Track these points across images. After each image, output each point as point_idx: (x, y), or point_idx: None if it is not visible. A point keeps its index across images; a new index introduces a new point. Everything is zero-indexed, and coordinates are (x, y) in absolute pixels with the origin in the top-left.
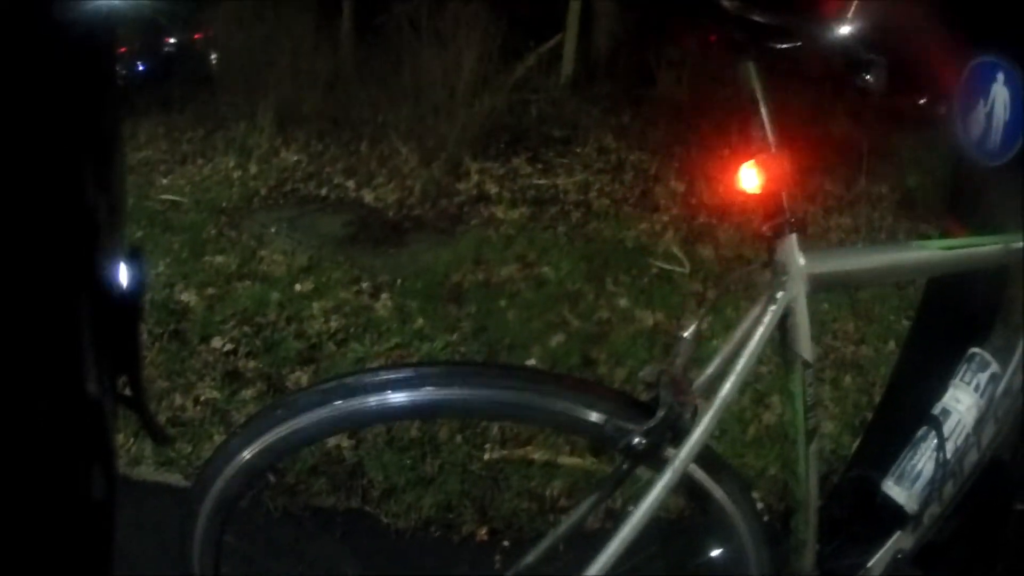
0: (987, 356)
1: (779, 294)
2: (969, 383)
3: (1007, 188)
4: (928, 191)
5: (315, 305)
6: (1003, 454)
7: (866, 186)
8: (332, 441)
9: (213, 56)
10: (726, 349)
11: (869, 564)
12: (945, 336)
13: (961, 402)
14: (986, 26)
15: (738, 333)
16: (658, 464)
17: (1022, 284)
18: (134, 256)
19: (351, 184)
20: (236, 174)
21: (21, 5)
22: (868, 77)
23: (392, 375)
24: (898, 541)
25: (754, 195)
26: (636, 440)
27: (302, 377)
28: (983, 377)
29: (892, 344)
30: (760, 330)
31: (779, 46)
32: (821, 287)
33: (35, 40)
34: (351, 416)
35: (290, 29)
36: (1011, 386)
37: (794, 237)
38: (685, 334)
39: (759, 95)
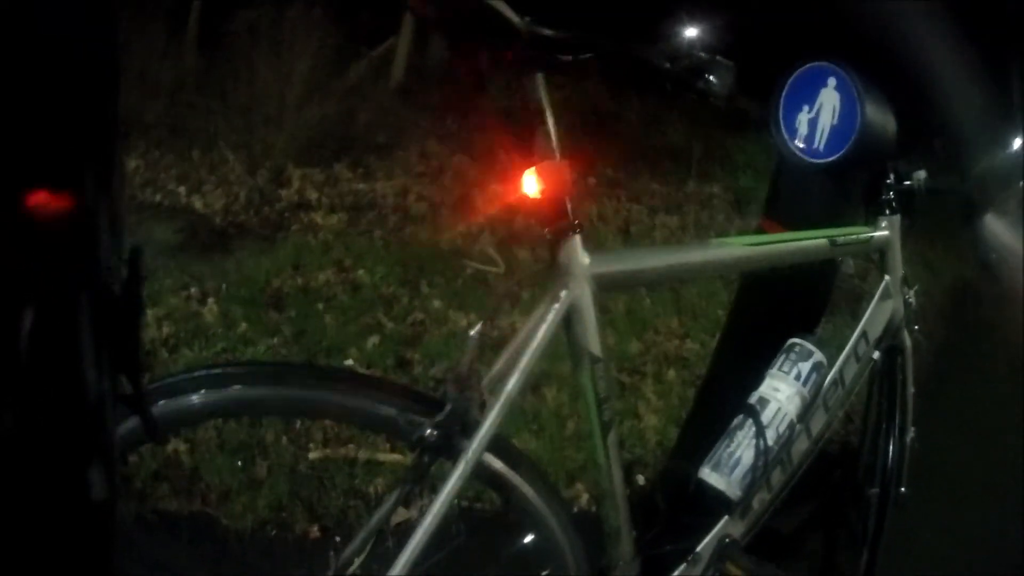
0: (809, 346)
1: (562, 293)
2: (788, 372)
3: (831, 186)
4: (761, 191)
5: (149, 312)
6: (855, 441)
7: (696, 186)
8: (170, 447)
9: None
10: (512, 346)
11: (697, 549)
12: (762, 326)
13: (780, 391)
14: (822, 32)
15: (524, 331)
16: (453, 455)
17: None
18: (134, 256)
19: (182, 191)
20: None
21: (23, 8)
22: (712, 79)
23: (205, 375)
24: (725, 527)
25: (538, 200)
26: (427, 432)
27: None
28: (805, 366)
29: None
30: (544, 328)
31: (568, 58)
32: (607, 287)
33: (36, 42)
34: (174, 415)
35: (140, 36)
36: (841, 376)
37: (577, 239)
38: (472, 332)
39: (545, 105)
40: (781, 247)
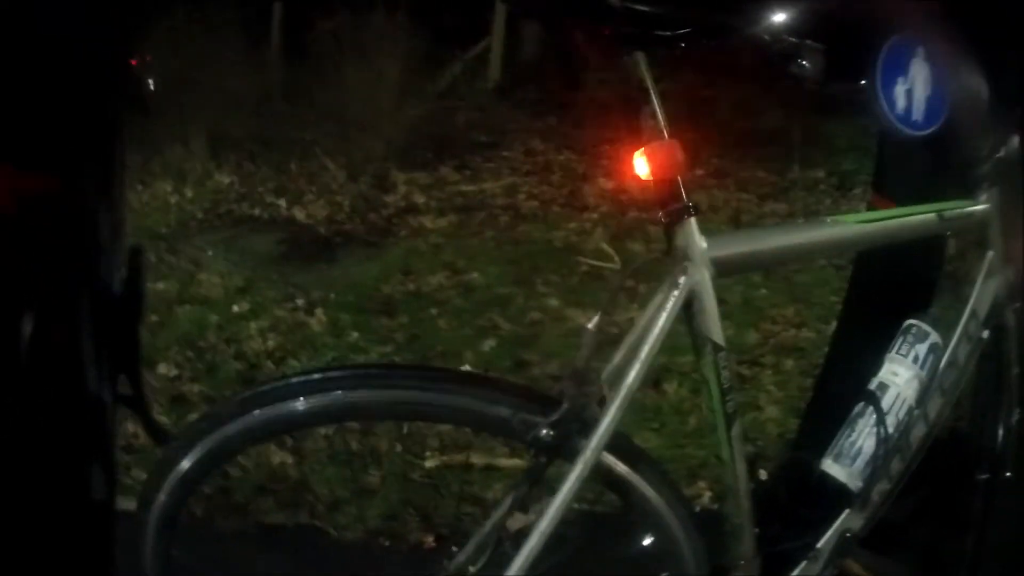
0: (925, 326)
1: (681, 279)
2: (907, 355)
3: (934, 159)
4: (866, 173)
5: (252, 325)
6: (962, 425)
7: (800, 172)
8: (276, 459)
9: (149, 81)
10: (630, 338)
11: (817, 545)
12: (878, 309)
13: (899, 375)
14: (904, 5)
15: (642, 321)
16: (571, 456)
17: (964, 251)
18: (134, 256)
19: (282, 202)
20: (173, 199)
21: (25, 10)
22: (804, 64)
23: (304, 382)
24: (846, 520)
25: (649, 183)
26: (543, 433)
27: None
28: (922, 348)
29: (833, 326)
30: (663, 317)
31: (668, 35)
32: (727, 270)
33: (38, 44)
34: (269, 424)
35: (221, 52)
36: (955, 357)
37: (693, 221)
38: (589, 325)
39: (649, 84)
40: (893, 223)
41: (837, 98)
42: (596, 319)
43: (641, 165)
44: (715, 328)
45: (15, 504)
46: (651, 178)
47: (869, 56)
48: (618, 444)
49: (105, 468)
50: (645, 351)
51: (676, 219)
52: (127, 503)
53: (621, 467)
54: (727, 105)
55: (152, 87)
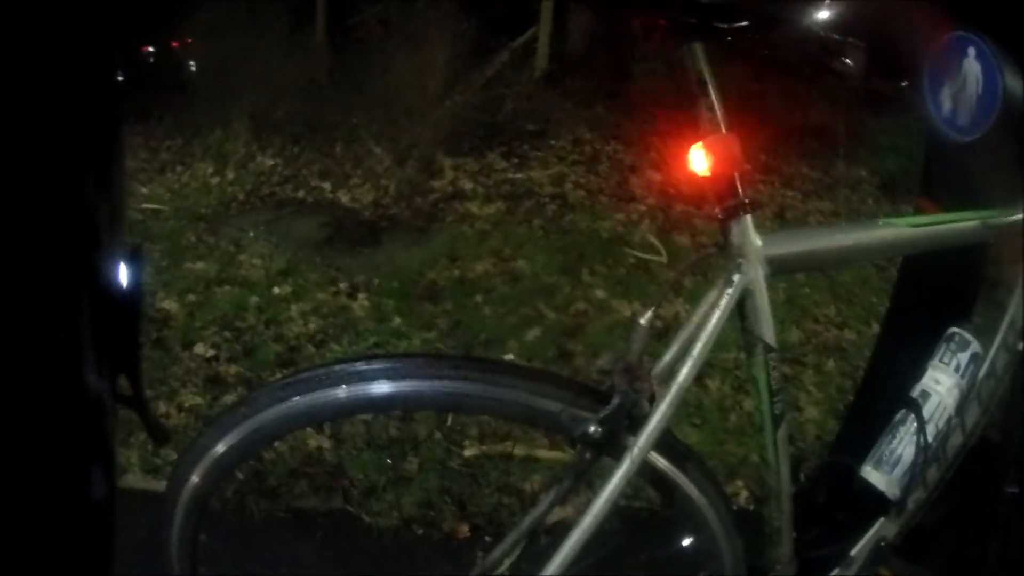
0: (967, 335)
1: (735, 277)
2: (949, 363)
3: (980, 164)
4: (909, 174)
5: (293, 307)
6: (992, 436)
7: (845, 170)
8: (312, 443)
9: (191, 64)
10: (683, 334)
11: (852, 552)
12: (922, 315)
13: (941, 383)
14: (957, 1)
15: (695, 318)
16: (617, 452)
17: (1002, 261)
18: (134, 256)
19: (327, 186)
20: (214, 180)
21: (21, 5)
22: (847, 61)
23: (347, 370)
24: (881, 528)
25: (705, 178)
26: (592, 429)
27: None
28: (964, 357)
29: (875, 327)
30: (717, 314)
31: (726, 26)
32: (780, 269)
33: (34, 39)
34: (310, 412)
35: (264, 36)
36: (994, 367)
37: (749, 219)
38: (641, 320)
39: (707, 77)
40: (940, 228)
41: (882, 96)
42: (649, 314)
43: (698, 159)
44: (767, 328)
45: (13, 505)
46: (708, 172)
47: (915, 56)
48: (664, 441)
49: (105, 469)
50: (698, 348)
51: (732, 215)
52: (158, 484)
53: (667, 465)
54: (772, 101)
55: (192, 69)
